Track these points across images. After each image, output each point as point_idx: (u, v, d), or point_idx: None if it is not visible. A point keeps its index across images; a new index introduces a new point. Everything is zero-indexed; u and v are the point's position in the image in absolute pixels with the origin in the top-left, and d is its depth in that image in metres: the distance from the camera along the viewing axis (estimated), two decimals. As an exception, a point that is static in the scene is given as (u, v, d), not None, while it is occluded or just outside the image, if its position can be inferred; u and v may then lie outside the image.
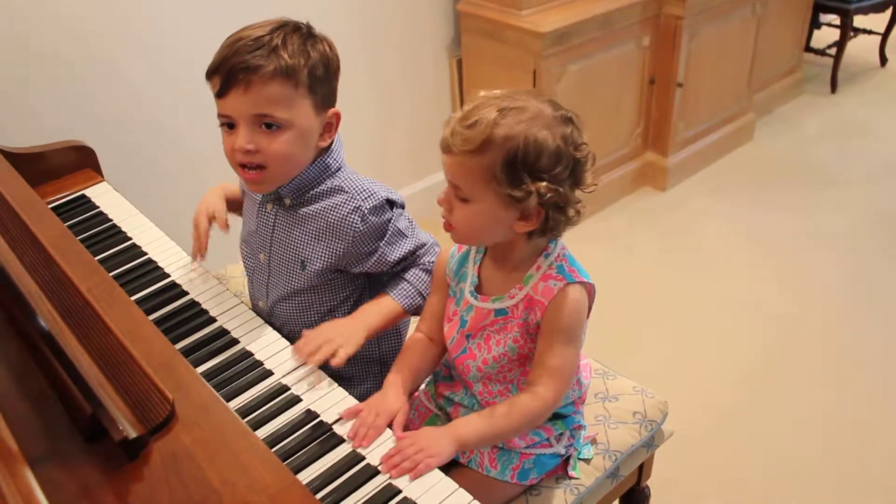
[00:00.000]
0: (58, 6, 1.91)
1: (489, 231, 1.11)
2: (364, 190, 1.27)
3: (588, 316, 1.17)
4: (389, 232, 1.29)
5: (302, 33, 1.20)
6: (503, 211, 1.08)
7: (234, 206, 1.48)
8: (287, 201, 1.29)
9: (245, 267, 1.43)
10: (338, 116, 1.27)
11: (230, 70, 1.15)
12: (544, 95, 1.11)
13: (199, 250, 1.41)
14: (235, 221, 1.46)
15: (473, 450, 1.21)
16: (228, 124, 1.20)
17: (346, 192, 1.27)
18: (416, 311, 1.33)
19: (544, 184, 1.05)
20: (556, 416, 1.25)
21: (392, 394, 1.16)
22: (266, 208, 1.33)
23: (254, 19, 1.23)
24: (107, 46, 2.03)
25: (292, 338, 1.29)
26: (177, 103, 2.19)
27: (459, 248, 1.25)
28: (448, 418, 1.28)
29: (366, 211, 1.25)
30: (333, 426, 1.11)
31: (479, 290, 1.20)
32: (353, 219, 1.25)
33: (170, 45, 2.12)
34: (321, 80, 1.21)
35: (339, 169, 1.30)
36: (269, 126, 1.18)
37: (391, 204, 1.30)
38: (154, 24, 2.08)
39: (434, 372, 1.32)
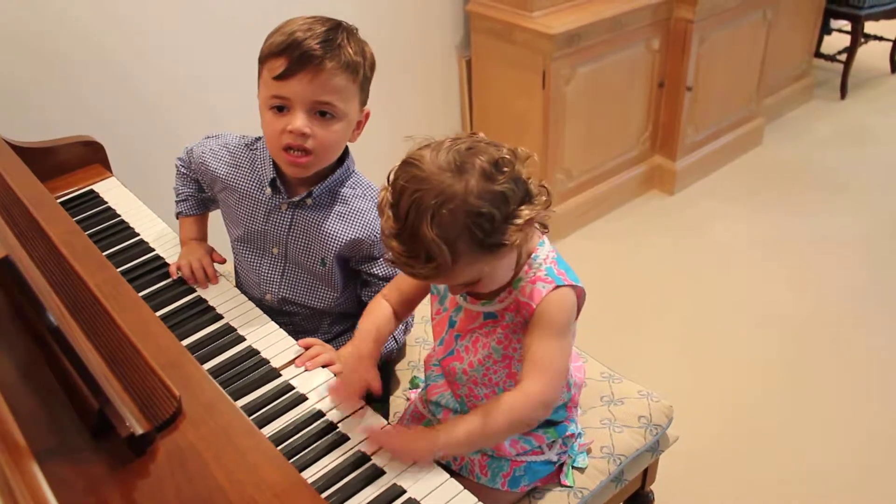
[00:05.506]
0: (63, 5, 1.91)
1: (505, 274, 1.08)
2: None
3: (577, 318, 1.14)
4: None
5: (355, 34, 1.27)
6: (506, 259, 1.04)
7: None
8: (308, 201, 1.33)
9: (245, 263, 1.42)
10: (367, 115, 1.33)
11: (301, 55, 1.19)
12: (416, 140, 1.02)
13: (205, 280, 1.40)
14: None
15: (464, 455, 1.21)
16: (279, 107, 1.24)
17: (365, 186, 1.36)
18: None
19: (519, 219, 0.97)
20: (548, 424, 1.23)
21: (364, 368, 1.15)
22: (281, 209, 1.34)
23: (260, 20, 1.24)
24: (113, 46, 2.03)
25: (301, 325, 1.36)
26: (181, 101, 2.19)
27: None
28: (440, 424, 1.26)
29: None
30: (339, 425, 1.11)
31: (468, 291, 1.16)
32: (370, 207, 1.32)
33: (174, 45, 2.12)
34: (368, 79, 1.29)
35: (354, 172, 1.37)
36: (322, 114, 1.24)
37: None
38: (158, 23, 2.09)
39: (426, 376, 1.31)
